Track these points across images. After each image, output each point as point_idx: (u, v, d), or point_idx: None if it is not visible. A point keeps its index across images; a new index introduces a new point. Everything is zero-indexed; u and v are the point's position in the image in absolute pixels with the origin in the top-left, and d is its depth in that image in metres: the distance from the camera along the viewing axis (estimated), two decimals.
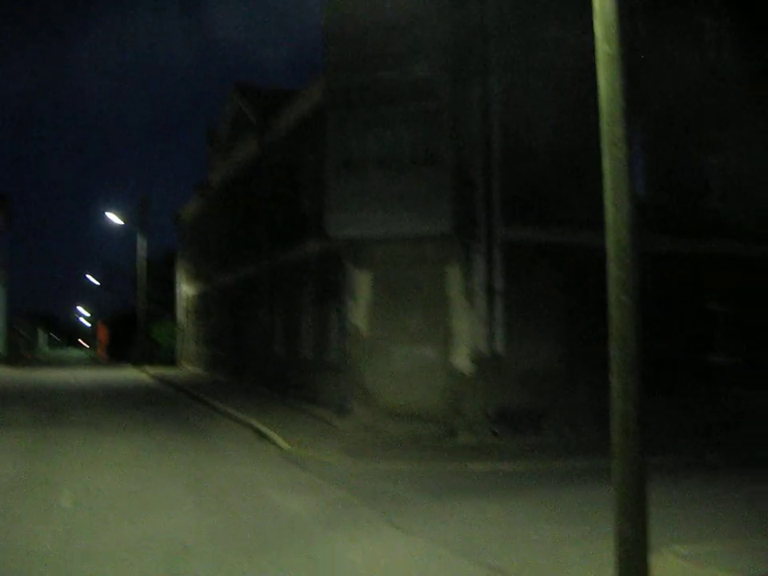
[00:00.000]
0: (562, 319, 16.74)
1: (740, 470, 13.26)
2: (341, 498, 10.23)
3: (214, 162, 34.96)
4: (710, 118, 19.52)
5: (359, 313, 17.17)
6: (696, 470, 13.03)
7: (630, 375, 5.32)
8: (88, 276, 73.31)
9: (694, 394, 17.87)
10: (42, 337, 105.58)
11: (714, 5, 19.98)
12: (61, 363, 57.21)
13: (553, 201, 16.99)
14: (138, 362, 42.16)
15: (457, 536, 8.18)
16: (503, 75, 16.43)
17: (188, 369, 38.88)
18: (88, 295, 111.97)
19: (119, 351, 56.10)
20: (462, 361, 16.10)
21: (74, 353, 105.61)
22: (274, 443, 14.79)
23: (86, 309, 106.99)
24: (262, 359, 25.83)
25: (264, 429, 16.09)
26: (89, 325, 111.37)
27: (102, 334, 72.53)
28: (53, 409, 20.22)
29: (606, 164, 5.54)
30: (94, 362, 63.92)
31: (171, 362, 42.49)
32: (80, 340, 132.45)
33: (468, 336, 16.04)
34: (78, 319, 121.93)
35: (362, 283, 17.18)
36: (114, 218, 45.56)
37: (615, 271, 5.41)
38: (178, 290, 42.97)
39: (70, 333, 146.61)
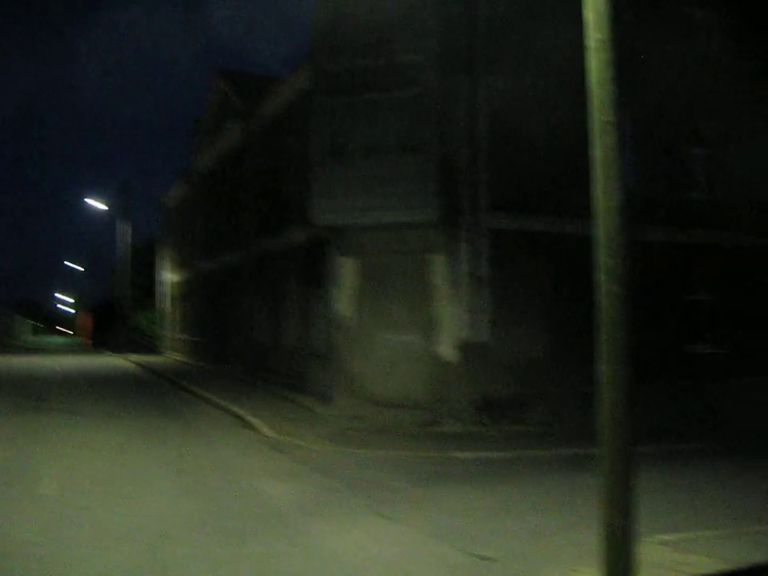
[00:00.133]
0: (546, 308, 16.78)
1: (723, 458, 13.34)
2: (325, 485, 10.20)
3: (199, 149, 34.73)
4: (698, 110, 19.57)
5: (344, 300, 17.12)
6: (679, 458, 13.10)
7: (619, 363, 5.30)
8: (68, 263, 72.81)
9: (679, 382, 17.98)
10: (24, 324, 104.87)
11: None
12: (44, 350, 56.82)
13: (538, 190, 16.98)
14: (120, 348, 41.94)
15: (443, 524, 8.17)
16: (491, 64, 16.38)
17: (171, 356, 38.72)
18: (71, 282, 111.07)
19: (102, 338, 55.76)
20: (446, 349, 16.10)
21: (56, 340, 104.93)
22: (257, 430, 14.74)
23: (68, 296, 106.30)
24: (246, 346, 25.75)
25: (247, 416, 16.03)
26: (72, 311, 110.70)
27: (85, 320, 72.13)
28: (35, 396, 20.06)
29: (596, 151, 5.50)
30: (76, 348, 63.55)
31: (154, 349, 42.31)
32: (63, 327, 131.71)
33: (453, 324, 16.03)
34: (60, 306, 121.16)
35: (347, 271, 17.13)
36: (95, 203, 45.25)
37: (604, 258, 5.38)
38: (161, 277, 42.73)
39: (53, 320, 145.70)
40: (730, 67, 20.24)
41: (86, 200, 45.19)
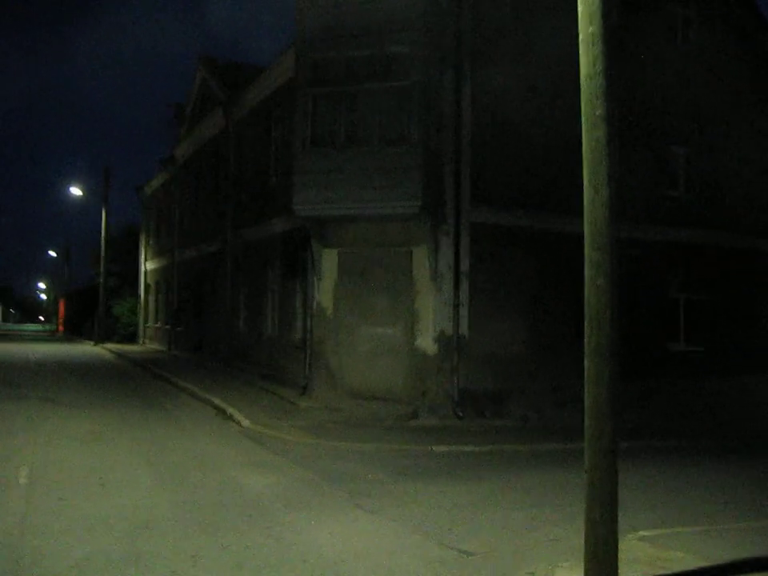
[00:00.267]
0: (527, 303, 16.81)
1: (703, 456, 13.43)
2: (304, 477, 10.13)
3: (180, 137, 34.44)
4: (679, 108, 19.66)
5: (324, 292, 17.05)
6: (658, 455, 13.15)
7: (605, 359, 5.27)
8: (46, 249, 72.17)
9: (659, 380, 18.09)
10: None
11: None
12: (17, 337, 56.21)
13: (522, 185, 17.00)
14: (97, 337, 41.56)
15: (423, 518, 8.13)
16: (477, 57, 16.34)
17: (149, 345, 38.47)
18: (48, 269, 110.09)
19: (78, 326, 55.25)
20: (426, 342, 16.08)
21: (31, 327, 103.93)
22: (235, 421, 14.65)
23: (44, 283, 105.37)
24: (225, 337, 25.60)
25: (225, 407, 15.93)
26: (45, 297, 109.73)
27: (61, 308, 71.51)
28: (9, 383, 19.82)
29: (586, 144, 5.47)
30: (52, 336, 63.00)
31: (132, 337, 41.98)
32: (38, 314, 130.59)
33: (433, 317, 16.01)
34: (36, 294, 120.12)
35: (328, 262, 17.06)
36: (75, 191, 44.83)
37: (591, 253, 5.35)
38: (140, 266, 42.40)
39: (27, 307, 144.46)
40: (710, 67, 20.37)
41: (69, 188, 44.70)
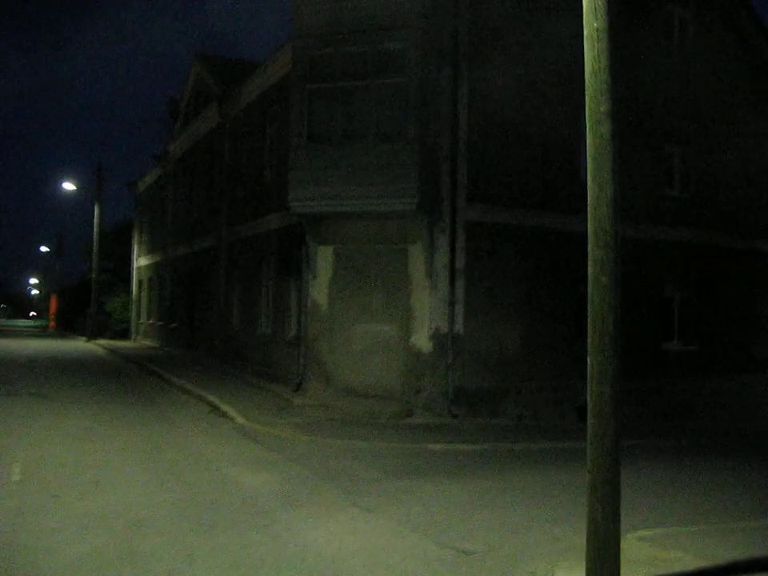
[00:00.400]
0: (522, 301, 16.78)
1: (698, 455, 13.43)
2: (299, 474, 10.07)
3: (174, 133, 34.30)
4: (675, 108, 19.65)
5: (319, 289, 16.99)
6: (654, 454, 13.14)
7: (608, 357, 5.22)
8: (38, 245, 71.91)
9: (653, 379, 18.08)
10: None
11: None
12: (9, 333, 55.94)
13: (518, 183, 16.97)
14: (90, 333, 41.37)
15: (420, 516, 8.08)
16: (474, 55, 16.29)
17: (142, 341, 38.32)
18: (40, 265, 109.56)
19: (71, 322, 55.00)
20: (421, 340, 16.03)
21: (23, 323, 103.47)
22: (230, 418, 14.58)
23: (36, 278, 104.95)
24: (219, 334, 25.50)
25: (220, 404, 15.86)
26: (37, 293, 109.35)
27: (53, 304, 71.17)
28: (1, 380, 19.69)
29: (590, 142, 5.42)
30: (44, 332, 62.73)
31: (124, 334, 41.81)
32: (31, 310, 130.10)
33: (428, 315, 15.97)
34: (27, 289, 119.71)
35: (323, 259, 16.99)
36: (69, 186, 44.64)
37: (595, 251, 5.30)
38: (132, 262, 42.23)
39: (19, 303, 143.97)
40: (707, 67, 20.37)
41: (63, 184, 44.45)
